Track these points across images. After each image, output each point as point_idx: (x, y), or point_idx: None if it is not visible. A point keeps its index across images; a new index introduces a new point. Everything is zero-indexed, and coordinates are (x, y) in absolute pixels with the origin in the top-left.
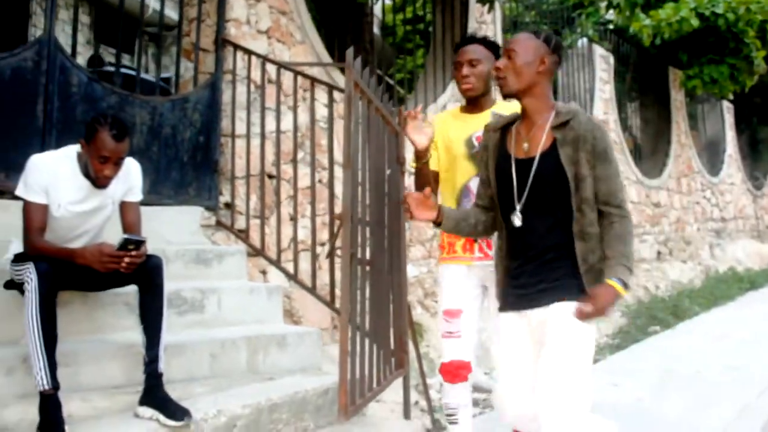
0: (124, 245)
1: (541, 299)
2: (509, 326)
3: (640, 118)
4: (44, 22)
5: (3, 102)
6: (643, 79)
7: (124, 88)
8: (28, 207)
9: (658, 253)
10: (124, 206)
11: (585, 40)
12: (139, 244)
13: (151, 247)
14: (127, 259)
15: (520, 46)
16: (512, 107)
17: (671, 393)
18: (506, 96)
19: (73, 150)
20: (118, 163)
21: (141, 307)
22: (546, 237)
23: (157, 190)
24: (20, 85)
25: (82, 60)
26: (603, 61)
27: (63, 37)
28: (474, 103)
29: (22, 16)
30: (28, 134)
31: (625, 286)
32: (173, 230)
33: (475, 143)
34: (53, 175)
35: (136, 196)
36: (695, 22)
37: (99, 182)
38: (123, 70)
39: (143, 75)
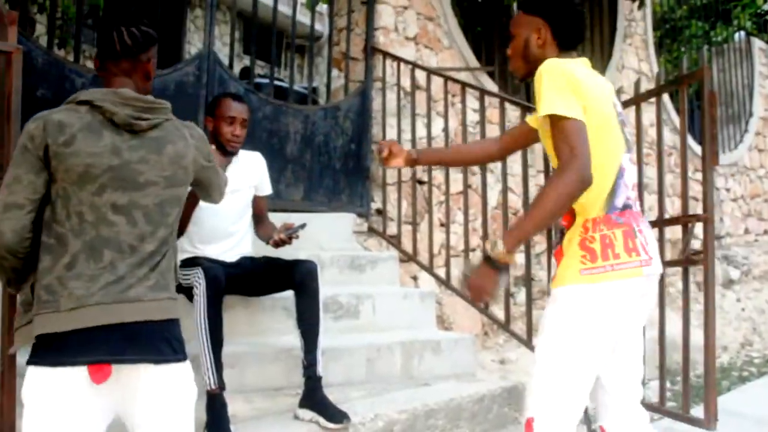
0: (299, 227)
1: None
2: None
3: None
4: (204, 38)
5: None
6: None
7: (276, 99)
8: None
9: None
10: (256, 199)
11: (742, 33)
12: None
13: (306, 253)
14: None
15: None
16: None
17: None
18: None
19: None
20: (243, 126)
21: (298, 312)
22: None
23: (311, 197)
24: (182, 97)
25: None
26: (763, 55)
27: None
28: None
29: (176, 34)
30: None
31: None
32: (327, 236)
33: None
34: None
35: (267, 189)
36: None
37: (230, 145)
38: (274, 81)
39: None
